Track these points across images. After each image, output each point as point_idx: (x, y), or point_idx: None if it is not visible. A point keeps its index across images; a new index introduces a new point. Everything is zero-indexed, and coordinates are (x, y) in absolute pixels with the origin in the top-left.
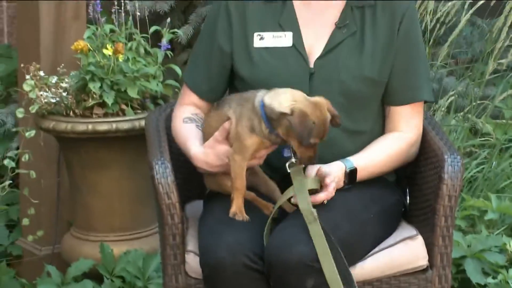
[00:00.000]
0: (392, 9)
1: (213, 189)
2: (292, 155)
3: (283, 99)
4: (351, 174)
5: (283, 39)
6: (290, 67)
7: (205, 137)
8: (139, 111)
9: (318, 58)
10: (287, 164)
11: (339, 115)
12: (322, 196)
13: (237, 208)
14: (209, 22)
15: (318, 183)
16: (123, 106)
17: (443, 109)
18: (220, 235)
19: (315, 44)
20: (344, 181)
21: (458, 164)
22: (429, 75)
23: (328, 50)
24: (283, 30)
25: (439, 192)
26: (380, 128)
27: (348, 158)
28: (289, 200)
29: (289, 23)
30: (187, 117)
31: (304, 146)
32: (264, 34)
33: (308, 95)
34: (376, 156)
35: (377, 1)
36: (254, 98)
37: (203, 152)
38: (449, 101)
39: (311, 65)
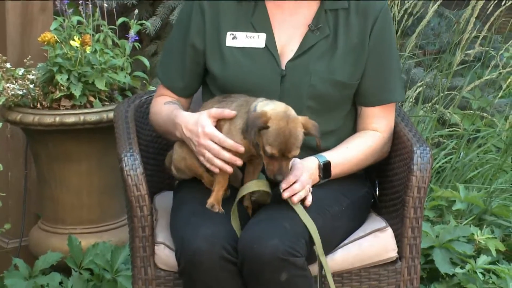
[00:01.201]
0: (366, 11)
1: (182, 177)
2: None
3: (268, 107)
4: (325, 167)
5: (256, 39)
6: (261, 68)
7: None
8: (107, 103)
9: (289, 61)
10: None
11: (320, 139)
12: (297, 187)
13: (215, 200)
14: (182, 18)
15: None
16: (91, 98)
17: (411, 100)
18: (197, 227)
19: (287, 46)
20: (319, 175)
21: (427, 156)
22: (401, 73)
23: (300, 53)
24: (256, 31)
25: (409, 184)
26: (351, 125)
27: (321, 153)
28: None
29: (261, 23)
30: (168, 101)
31: (268, 158)
32: (237, 33)
33: (279, 97)
34: (350, 153)
35: (351, 3)
36: (252, 103)
37: (189, 114)
38: (417, 92)
39: (283, 67)
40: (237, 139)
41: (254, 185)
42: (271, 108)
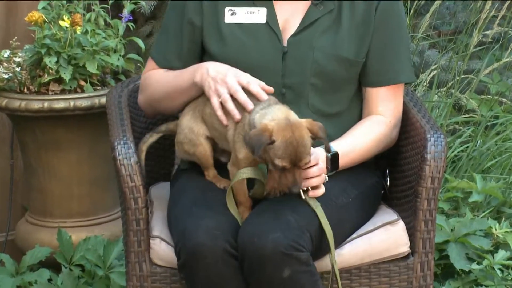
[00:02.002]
0: None
1: (186, 158)
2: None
3: (267, 117)
4: (333, 159)
5: (256, 15)
6: (262, 45)
7: (208, 126)
8: (98, 88)
9: (291, 36)
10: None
11: (327, 140)
12: (315, 171)
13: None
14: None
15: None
16: (82, 82)
17: (425, 84)
18: (199, 218)
19: (289, 21)
20: (327, 167)
21: (442, 144)
22: (410, 54)
23: (303, 28)
24: (256, 5)
25: (422, 174)
26: (358, 110)
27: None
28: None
29: None
30: (166, 70)
31: (278, 171)
32: (236, 9)
33: (281, 75)
34: (358, 142)
35: None
36: (247, 116)
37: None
38: (431, 75)
39: (285, 43)
40: (240, 149)
41: (250, 172)
42: (270, 118)
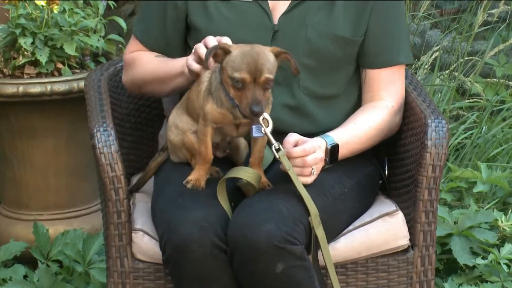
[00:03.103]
0: None
1: (176, 159)
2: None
3: None
4: (332, 151)
5: None
6: (250, 24)
7: (192, 115)
8: (77, 71)
9: (283, 14)
10: (272, 148)
11: (296, 63)
12: (310, 159)
13: (196, 177)
14: None
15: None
16: (59, 65)
17: (426, 66)
18: (186, 209)
19: None
20: (325, 160)
21: (443, 130)
22: (408, 34)
23: (295, 4)
24: None
25: (422, 162)
26: (356, 92)
27: (327, 133)
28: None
29: None
30: (158, 54)
31: (239, 89)
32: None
33: None
34: (358, 130)
35: None
36: None
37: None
38: (432, 57)
39: (275, 22)
40: (204, 101)
41: (243, 173)
42: None
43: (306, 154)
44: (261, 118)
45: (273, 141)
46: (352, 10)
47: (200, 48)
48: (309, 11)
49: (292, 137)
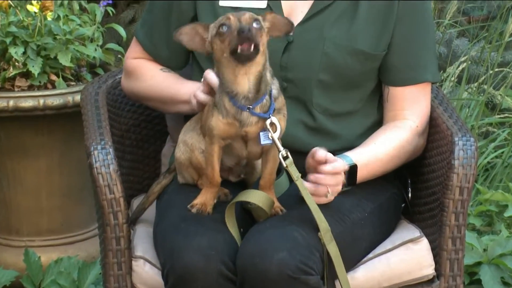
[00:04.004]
0: None
1: (183, 181)
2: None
3: None
4: (350, 172)
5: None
6: None
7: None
8: (72, 83)
9: (299, 24)
10: (279, 156)
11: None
12: (329, 179)
13: (202, 201)
14: None
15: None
16: (53, 77)
17: (452, 79)
18: (190, 235)
19: (296, 6)
20: (343, 182)
21: (472, 148)
22: (436, 50)
23: (312, 14)
24: None
25: (448, 183)
26: (375, 110)
27: (345, 153)
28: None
29: None
30: (163, 67)
31: (224, 36)
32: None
33: (282, 69)
34: (379, 151)
35: None
36: None
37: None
38: (460, 68)
39: (290, 32)
40: (209, 115)
41: (254, 196)
42: None
43: (336, 172)
44: (268, 122)
45: (281, 148)
46: (375, 21)
47: (209, 74)
48: (327, 22)
49: (321, 152)
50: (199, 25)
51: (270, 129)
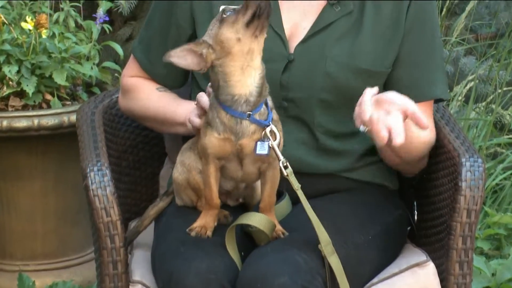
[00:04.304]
0: None
1: (181, 203)
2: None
3: None
4: None
5: None
6: (263, 52)
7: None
8: (68, 103)
9: (301, 42)
10: (280, 164)
11: None
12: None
13: (201, 224)
14: None
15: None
16: (48, 96)
17: (460, 98)
18: (189, 259)
19: (298, 24)
20: None
21: (480, 170)
22: (444, 66)
23: (315, 32)
24: None
25: (455, 206)
26: None
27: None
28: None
29: None
30: (160, 87)
31: (232, 18)
32: (233, 8)
33: (283, 88)
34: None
35: None
36: None
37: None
38: (467, 87)
39: (291, 51)
40: (203, 135)
41: (255, 219)
42: None
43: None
44: (268, 130)
45: (281, 156)
46: (380, 37)
47: (202, 97)
48: (330, 39)
49: (368, 96)
50: (188, 44)
51: (270, 137)
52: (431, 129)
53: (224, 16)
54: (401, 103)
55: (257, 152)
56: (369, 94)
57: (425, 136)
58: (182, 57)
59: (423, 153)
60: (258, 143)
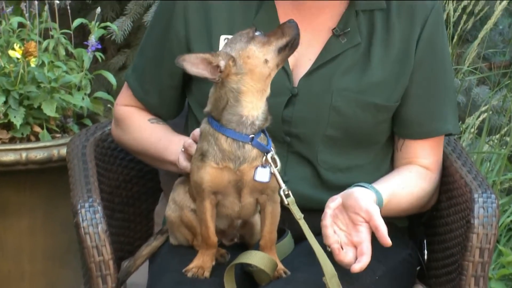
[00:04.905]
0: (411, 12)
1: (176, 242)
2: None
3: None
4: None
5: None
6: None
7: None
8: (58, 135)
9: (305, 75)
10: (281, 192)
11: None
12: (364, 261)
13: (198, 265)
14: (160, 18)
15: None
16: (36, 129)
17: (472, 130)
18: None
19: (303, 56)
20: None
21: (493, 206)
22: (456, 99)
23: (320, 64)
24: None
25: (467, 244)
26: (389, 161)
27: (378, 189)
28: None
29: (267, 25)
30: (152, 118)
31: (264, 40)
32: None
33: (285, 123)
34: (398, 189)
35: (391, 2)
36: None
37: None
38: (480, 119)
39: (295, 84)
40: (196, 170)
41: (256, 258)
42: None
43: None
44: (269, 156)
45: (282, 184)
46: (389, 70)
47: (191, 147)
48: (337, 72)
49: (333, 203)
50: (205, 53)
51: (272, 163)
52: (434, 168)
53: (254, 34)
54: (366, 209)
55: (257, 178)
56: (329, 216)
57: (420, 189)
58: (194, 64)
59: (424, 202)
60: (259, 168)
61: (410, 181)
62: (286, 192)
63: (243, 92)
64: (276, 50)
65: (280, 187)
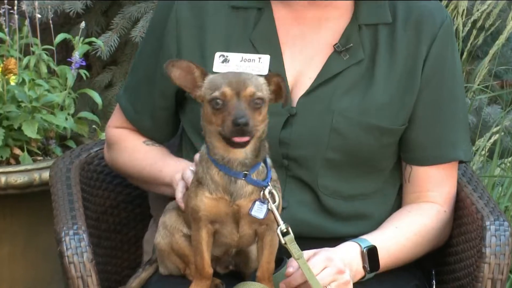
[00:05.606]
0: (419, 27)
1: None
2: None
3: None
4: (371, 255)
5: (256, 64)
6: None
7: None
8: (39, 158)
9: (304, 94)
10: (278, 231)
11: (287, 94)
12: (327, 273)
13: None
14: (152, 35)
15: None
16: (17, 151)
17: (483, 152)
18: None
19: (302, 74)
20: (364, 267)
21: (506, 234)
22: (468, 122)
23: (320, 83)
24: (256, 51)
25: (479, 275)
26: (395, 189)
27: (361, 237)
28: None
29: (265, 40)
30: (147, 140)
31: (216, 110)
32: (230, 54)
33: (282, 145)
34: (401, 235)
35: (397, 15)
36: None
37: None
38: (491, 141)
39: (294, 103)
40: (192, 197)
41: None
42: None
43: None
44: (267, 191)
45: (280, 221)
46: (394, 89)
47: (187, 177)
48: (338, 91)
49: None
50: (196, 68)
51: (270, 200)
52: (444, 201)
53: (214, 103)
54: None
55: (253, 213)
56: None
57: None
58: (183, 75)
59: (431, 239)
60: (257, 203)
61: (413, 219)
62: (285, 230)
63: (210, 137)
64: (218, 133)
65: (278, 224)
